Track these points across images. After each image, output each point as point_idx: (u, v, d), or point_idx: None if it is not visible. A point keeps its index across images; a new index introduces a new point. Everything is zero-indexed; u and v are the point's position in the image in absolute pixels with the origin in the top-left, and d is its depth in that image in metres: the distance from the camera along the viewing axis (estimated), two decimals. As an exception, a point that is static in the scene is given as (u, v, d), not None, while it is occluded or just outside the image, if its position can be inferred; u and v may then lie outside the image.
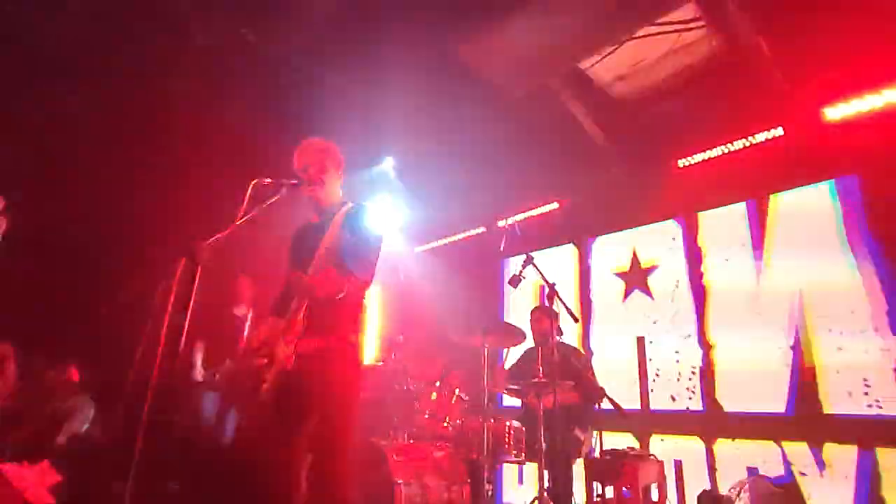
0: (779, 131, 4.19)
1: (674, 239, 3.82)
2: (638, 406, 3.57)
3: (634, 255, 4.06)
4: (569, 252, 4.48)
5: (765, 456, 2.93)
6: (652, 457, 3.74)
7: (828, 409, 2.79)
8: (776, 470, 2.89)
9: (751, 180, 4.29)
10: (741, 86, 4.28)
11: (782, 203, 3.38)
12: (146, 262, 1.86)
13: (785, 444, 2.85)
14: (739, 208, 3.58)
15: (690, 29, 4.01)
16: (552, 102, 4.81)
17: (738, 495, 3.29)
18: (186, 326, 1.73)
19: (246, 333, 4.24)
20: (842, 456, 2.63)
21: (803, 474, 2.76)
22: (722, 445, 3.12)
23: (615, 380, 3.68)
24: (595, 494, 3.49)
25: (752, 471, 2.98)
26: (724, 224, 3.59)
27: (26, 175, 4.02)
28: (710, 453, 3.18)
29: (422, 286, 6.53)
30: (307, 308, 2.08)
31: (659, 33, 4.06)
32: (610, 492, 3.43)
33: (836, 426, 2.72)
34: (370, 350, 6.49)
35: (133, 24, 3.92)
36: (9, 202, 2.75)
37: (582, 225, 5.32)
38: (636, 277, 3.97)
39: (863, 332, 2.77)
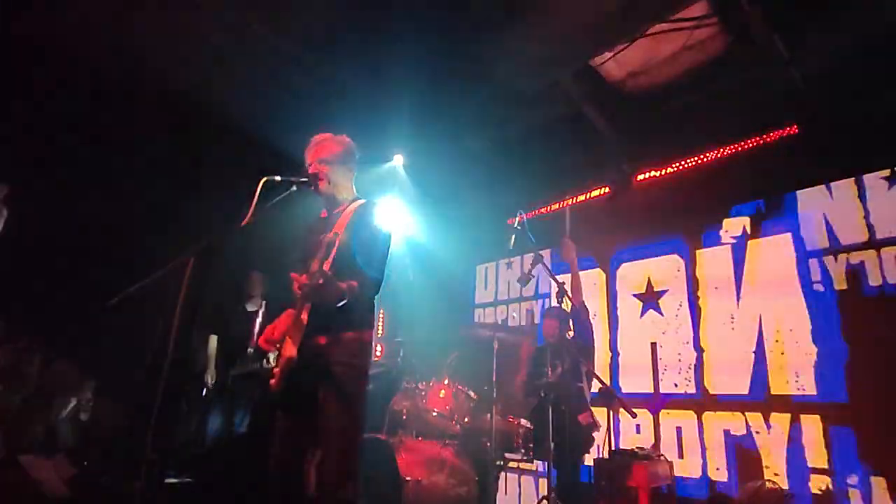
0: (793, 130, 4.16)
1: (678, 270, 4.97)
2: (651, 391, 4.80)
3: (649, 280, 5.16)
4: (597, 276, 5.57)
5: (735, 423, 4.29)
6: (662, 457, 3.73)
7: (775, 391, 4.14)
8: (741, 431, 4.22)
9: (763, 181, 4.43)
10: (754, 83, 4.23)
11: (755, 248, 4.54)
12: (156, 259, 1.87)
13: (748, 414, 4.22)
14: (726, 251, 4.69)
15: (703, 26, 3.96)
16: (563, 100, 4.78)
17: (750, 500, 3.28)
18: (197, 324, 1.75)
19: (257, 329, 4.26)
20: (782, 422, 4.04)
21: (757, 433, 4.14)
22: (707, 417, 4.45)
23: (635, 373, 4.98)
24: (603, 494, 3.48)
25: (726, 432, 4.30)
26: (717, 260, 4.74)
27: (37, 170, 4.08)
28: (699, 422, 4.50)
29: (430, 283, 6.54)
30: (314, 306, 2.06)
31: (671, 30, 4.02)
32: (618, 492, 3.41)
33: (779, 403, 4.09)
34: (379, 348, 6.52)
35: (141, 16, 3.94)
36: (13, 193, 2.77)
37: (592, 225, 5.36)
38: (650, 298, 5.12)
39: (797, 343, 4.14)
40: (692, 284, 4.83)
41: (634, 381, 4.89)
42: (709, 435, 4.37)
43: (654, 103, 4.78)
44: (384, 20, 4.14)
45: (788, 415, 3.98)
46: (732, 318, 4.49)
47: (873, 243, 3.86)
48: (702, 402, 4.48)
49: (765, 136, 4.35)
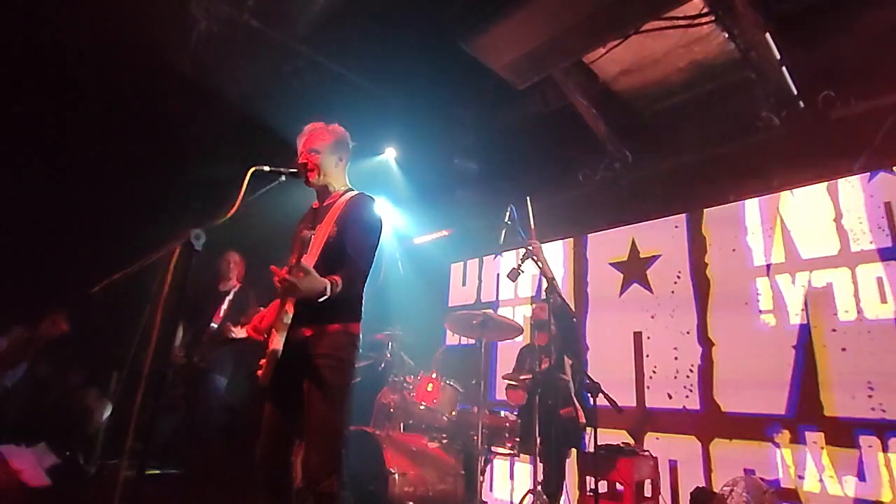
0: (782, 131, 4.18)
1: (676, 227, 3.73)
2: (633, 403, 3.59)
3: (633, 244, 3.98)
4: (563, 244, 4.49)
5: (761, 457, 2.97)
6: (646, 452, 3.76)
7: (829, 412, 2.81)
8: (772, 473, 2.93)
9: (753, 181, 4.28)
10: (747, 84, 4.25)
11: (792, 199, 3.44)
12: (143, 247, 1.84)
13: (783, 446, 2.86)
14: (747, 203, 3.56)
15: (697, 24, 3.97)
16: (556, 95, 4.78)
17: (731, 493, 3.32)
18: (182, 312, 1.73)
19: (225, 307, 4.15)
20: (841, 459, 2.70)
21: (801, 478, 2.78)
22: (719, 446, 3.15)
23: (610, 376, 3.70)
24: (588, 489, 3.51)
25: (748, 472, 3.02)
26: (731, 212, 3.56)
27: (23, 158, 4.01)
28: (706, 453, 3.21)
29: (420, 278, 6.53)
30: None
31: (665, 28, 4.02)
32: (603, 487, 3.45)
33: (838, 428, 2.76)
34: (366, 340, 6.51)
35: (134, 6, 3.88)
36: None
37: (584, 222, 5.35)
38: (635, 268, 3.88)
39: (869, 332, 2.82)
40: (695, 246, 3.51)
41: (607, 389, 3.16)
42: (719, 473, 3.06)
43: (645, 101, 4.80)
44: (376, 12, 4.11)
45: (856, 451, 2.62)
46: (760, 294, 3.08)
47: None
48: (708, 422, 3.23)
49: (755, 136, 4.35)
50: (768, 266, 3.24)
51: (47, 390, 3.96)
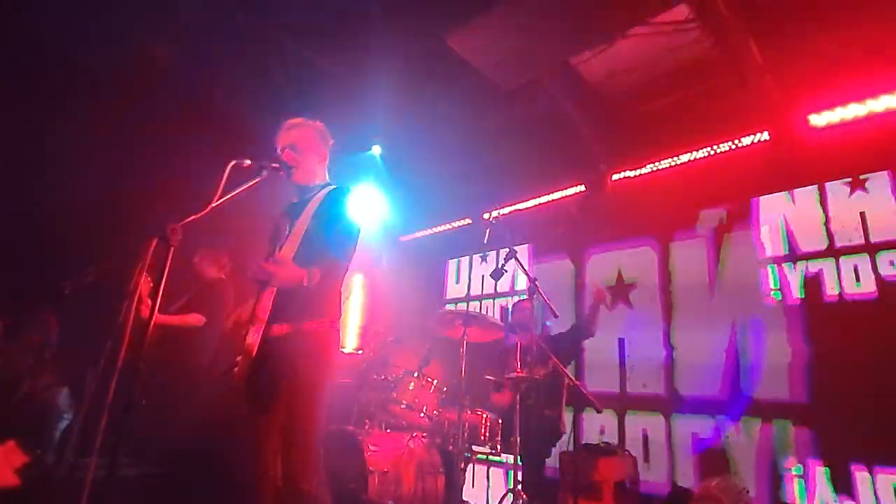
0: (765, 136, 4.25)
1: (650, 263, 4.86)
2: (618, 390, 4.62)
3: (619, 274, 5.07)
4: (569, 267, 5.51)
5: (706, 427, 4.16)
6: (626, 452, 3.80)
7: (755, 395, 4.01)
8: (714, 440, 4.09)
9: (734, 185, 4.45)
10: (730, 89, 4.31)
11: (731, 242, 4.48)
12: (118, 242, 1.80)
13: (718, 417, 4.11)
14: (700, 242, 4.62)
15: (683, 30, 4.01)
16: (542, 97, 4.80)
17: (707, 492, 3.36)
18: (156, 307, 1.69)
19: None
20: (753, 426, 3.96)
21: (733, 443, 4.01)
22: (676, 419, 4.35)
23: (602, 370, 4.80)
24: (569, 487, 3.53)
25: (695, 436, 4.19)
26: (690, 253, 4.63)
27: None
28: (667, 425, 4.39)
29: (404, 276, 6.51)
30: (277, 293, 2.00)
31: (651, 33, 4.06)
32: (583, 485, 3.47)
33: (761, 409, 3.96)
34: (350, 338, 6.47)
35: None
36: None
37: (567, 222, 5.41)
38: (620, 292, 4.99)
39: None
40: (663, 278, 4.69)
41: (600, 379, 4.75)
42: (676, 437, 4.26)
43: (631, 104, 4.84)
44: (364, 11, 4.08)
45: (759, 419, 3.90)
46: (706, 312, 4.32)
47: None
48: (670, 403, 4.38)
49: (739, 141, 4.40)
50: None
51: (16, 388, 3.85)
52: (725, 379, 4.14)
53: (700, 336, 4.38)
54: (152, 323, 1.64)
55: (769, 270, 4.17)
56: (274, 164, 2.17)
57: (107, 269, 1.71)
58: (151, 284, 2.08)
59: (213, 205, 1.80)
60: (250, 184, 2.06)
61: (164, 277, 1.69)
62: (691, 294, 4.55)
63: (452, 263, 6.63)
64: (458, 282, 6.52)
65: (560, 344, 4.14)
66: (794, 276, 4.04)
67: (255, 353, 1.95)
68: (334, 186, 2.30)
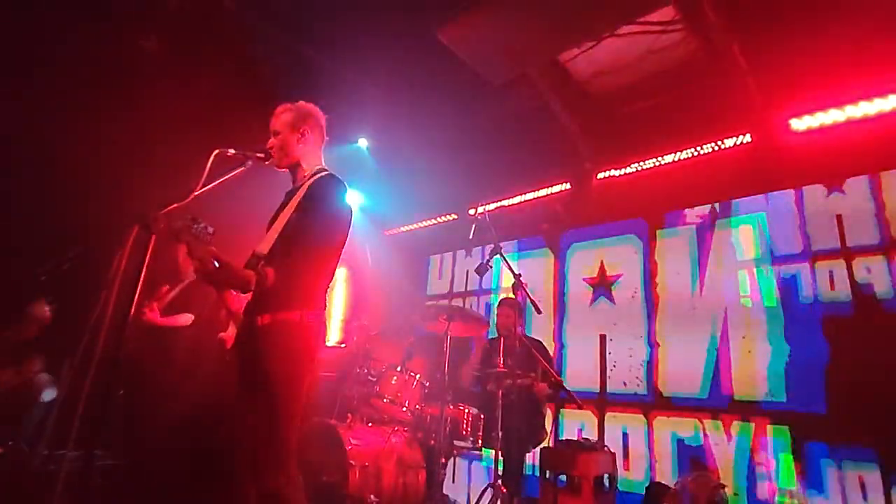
0: (747, 138, 4.31)
1: (635, 253, 4.68)
2: (597, 389, 4.51)
3: (602, 265, 4.88)
4: (547, 258, 5.36)
5: (688, 428, 4.08)
6: (605, 448, 3.85)
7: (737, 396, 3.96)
8: (695, 440, 4.02)
9: (716, 185, 4.48)
10: (714, 91, 4.36)
11: (723, 230, 4.35)
12: (100, 230, 1.76)
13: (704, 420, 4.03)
14: (690, 231, 4.50)
15: (669, 31, 4.05)
16: (530, 93, 4.81)
17: (684, 488, 3.43)
18: (137, 297, 1.66)
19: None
20: (743, 430, 3.87)
21: (715, 444, 3.93)
22: (658, 421, 4.23)
23: (581, 367, 4.69)
24: (548, 483, 3.57)
25: (679, 440, 4.09)
26: (677, 243, 4.48)
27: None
28: (650, 426, 4.27)
29: (388, 270, 6.50)
30: (257, 283, 1.88)
31: (639, 32, 4.09)
32: (563, 480, 3.51)
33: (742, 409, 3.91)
34: (333, 331, 6.45)
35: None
36: None
37: (552, 219, 5.44)
38: (602, 285, 4.84)
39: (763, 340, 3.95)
40: (649, 270, 4.53)
41: (579, 377, 4.63)
42: (657, 440, 4.15)
43: (617, 103, 4.88)
44: (352, 0, 4.05)
45: (752, 424, 3.82)
46: (692, 308, 4.16)
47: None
48: (652, 403, 4.29)
49: (722, 143, 4.45)
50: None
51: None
52: (706, 377, 4.13)
53: (682, 336, 4.34)
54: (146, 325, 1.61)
55: (746, 272, 4.16)
56: (259, 154, 2.13)
57: (84, 257, 1.68)
58: (167, 288, 2.05)
59: (196, 193, 1.78)
60: (234, 173, 2.03)
61: (145, 265, 1.66)
62: (677, 293, 4.45)
63: (436, 259, 6.61)
64: (440, 277, 6.52)
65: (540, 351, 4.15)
66: (770, 278, 4.04)
67: (232, 344, 1.92)
68: (323, 173, 2.21)
